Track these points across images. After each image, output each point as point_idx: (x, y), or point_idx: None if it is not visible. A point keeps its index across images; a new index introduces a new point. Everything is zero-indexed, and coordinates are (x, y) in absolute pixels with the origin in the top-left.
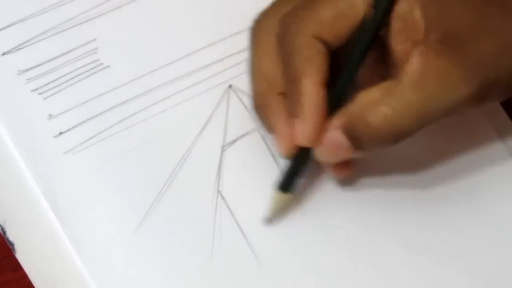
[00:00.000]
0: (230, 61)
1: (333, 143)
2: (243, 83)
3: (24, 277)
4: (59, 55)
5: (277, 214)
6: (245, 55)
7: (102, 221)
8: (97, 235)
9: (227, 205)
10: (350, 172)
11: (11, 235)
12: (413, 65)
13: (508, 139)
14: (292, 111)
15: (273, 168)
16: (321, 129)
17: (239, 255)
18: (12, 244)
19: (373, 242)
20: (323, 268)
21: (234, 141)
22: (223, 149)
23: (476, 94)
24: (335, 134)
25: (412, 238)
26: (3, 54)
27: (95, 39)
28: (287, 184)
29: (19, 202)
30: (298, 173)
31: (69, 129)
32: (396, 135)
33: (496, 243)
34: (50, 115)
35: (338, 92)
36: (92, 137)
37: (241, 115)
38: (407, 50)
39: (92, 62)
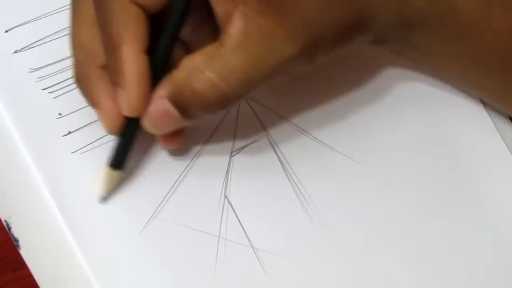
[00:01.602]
0: None
1: (160, 112)
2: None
3: (25, 277)
4: (70, 55)
5: (110, 191)
6: None
7: (107, 222)
8: (102, 235)
9: (234, 211)
10: (179, 142)
11: (16, 231)
12: (235, 27)
13: (509, 138)
14: (114, 81)
15: (281, 175)
16: (145, 98)
17: (244, 262)
18: (16, 240)
19: (377, 248)
20: (328, 276)
21: (243, 147)
22: (231, 155)
23: (301, 52)
24: (161, 103)
25: (413, 239)
26: (15, 52)
27: None
28: (118, 160)
29: (25, 199)
30: (128, 148)
31: (78, 129)
32: (223, 101)
33: (496, 243)
34: (59, 114)
35: (158, 59)
36: (100, 138)
37: (250, 121)
38: (229, 11)
39: None
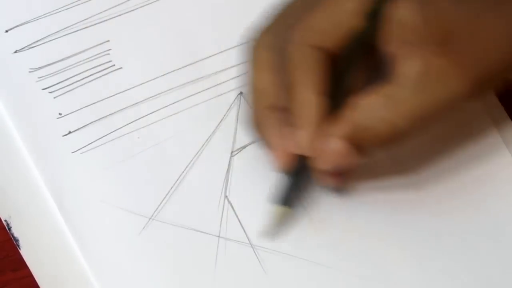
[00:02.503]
0: (242, 68)
1: (337, 151)
2: None
3: (25, 276)
4: (71, 55)
5: (278, 228)
6: None
7: (107, 222)
8: (102, 235)
9: (234, 211)
10: (348, 178)
11: (16, 231)
12: (412, 67)
13: (509, 139)
14: (292, 122)
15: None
16: (318, 138)
17: (244, 261)
18: (16, 240)
19: (377, 248)
20: (328, 276)
21: (243, 147)
22: (231, 154)
23: (471, 90)
24: (338, 143)
25: (413, 238)
26: (15, 52)
27: (108, 41)
28: (287, 198)
29: (25, 199)
30: (297, 187)
31: (78, 129)
32: (398, 138)
33: (496, 243)
34: (60, 114)
35: (337, 100)
36: (100, 138)
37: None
38: (401, 53)
39: (104, 63)
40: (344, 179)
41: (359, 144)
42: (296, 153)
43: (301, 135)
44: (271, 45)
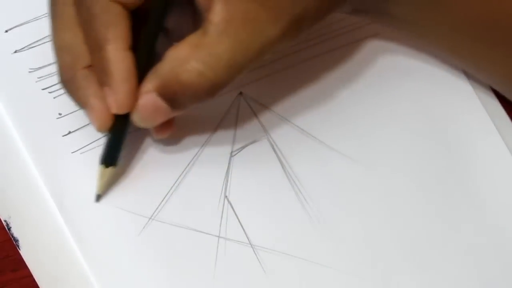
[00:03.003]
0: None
1: (149, 106)
2: (254, 90)
3: (25, 277)
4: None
5: (105, 189)
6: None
7: (107, 222)
8: (102, 235)
9: (234, 211)
10: (172, 130)
11: (16, 231)
12: (217, 14)
13: (509, 138)
14: (101, 81)
15: (281, 175)
16: (134, 94)
17: (244, 261)
18: (16, 240)
19: (376, 248)
20: (327, 275)
21: (243, 147)
22: (231, 155)
23: (286, 31)
24: (150, 97)
25: (412, 238)
26: (15, 52)
27: None
28: (110, 157)
29: (25, 199)
30: (119, 145)
31: (78, 129)
32: (211, 89)
33: (496, 243)
34: (59, 114)
35: (143, 54)
36: (100, 138)
37: (250, 122)
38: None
39: None
40: (168, 131)
41: (172, 97)
42: (113, 112)
43: (113, 94)
44: (70, 1)
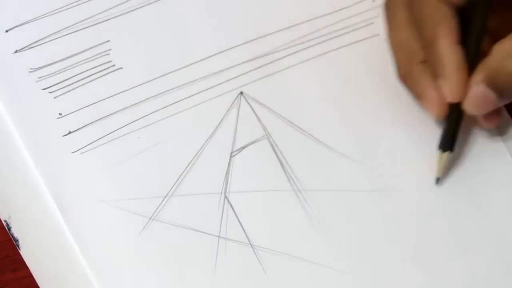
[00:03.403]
0: (242, 68)
1: (480, 96)
2: (254, 90)
3: (25, 277)
4: (71, 55)
5: (444, 172)
6: (258, 63)
7: (107, 222)
8: (102, 235)
9: (234, 211)
10: (498, 121)
11: (16, 231)
12: None
13: (509, 139)
14: (435, 73)
15: (281, 175)
16: (465, 84)
17: (244, 261)
18: (16, 240)
19: (376, 248)
20: (327, 276)
21: (243, 147)
22: (231, 155)
23: None
24: (480, 88)
25: (412, 238)
26: (15, 52)
27: (108, 41)
28: (448, 143)
29: (25, 199)
30: (456, 131)
31: (78, 129)
32: None
33: (496, 243)
34: (60, 114)
35: (472, 48)
36: (101, 138)
37: (251, 122)
38: None
39: (105, 63)
40: (495, 120)
41: (499, 88)
42: (448, 100)
43: (447, 84)
44: (403, 3)
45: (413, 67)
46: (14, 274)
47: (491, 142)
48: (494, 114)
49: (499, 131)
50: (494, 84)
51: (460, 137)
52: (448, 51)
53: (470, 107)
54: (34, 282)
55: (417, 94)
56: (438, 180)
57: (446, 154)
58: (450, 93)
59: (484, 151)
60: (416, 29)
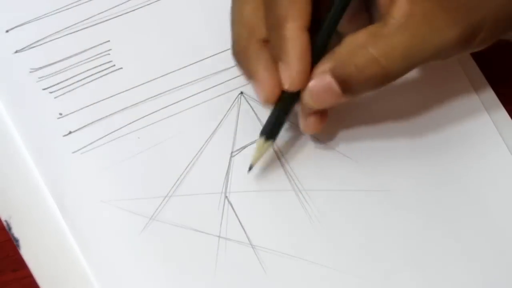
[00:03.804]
0: None
1: (322, 86)
2: None
3: (25, 277)
4: (71, 55)
5: (257, 161)
6: None
7: (108, 222)
8: (103, 235)
9: (234, 211)
10: (323, 125)
11: (16, 232)
12: (399, 8)
13: (509, 138)
14: (276, 56)
15: (281, 175)
16: (307, 73)
17: (244, 261)
18: (17, 241)
19: (376, 247)
20: (327, 275)
21: (243, 147)
22: (231, 155)
23: (461, 37)
24: (324, 78)
25: (416, 246)
26: (16, 52)
27: (108, 41)
28: (271, 131)
29: (26, 199)
30: (282, 121)
31: (78, 129)
32: (383, 78)
33: (496, 242)
34: (60, 114)
35: (321, 38)
36: (101, 138)
37: (251, 122)
38: None
39: (105, 63)
40: (319, 124)
41: (346, 80)
42: (283, 88)
43: (286, 71)
44: None
45: (251, 44)
46: (14, 274)
47: (491, 142)
48: (319, 118)
49: (499, 132)
50: (341, 77)
51: (458, 138)
52: (295, 36)
53: (309, 98)
54: (35, 282)
55: (250, 74)
56: (251, 168)
57: (267, 143)
58: (288, 80)
59: (484, 150)
60: (263, 4)
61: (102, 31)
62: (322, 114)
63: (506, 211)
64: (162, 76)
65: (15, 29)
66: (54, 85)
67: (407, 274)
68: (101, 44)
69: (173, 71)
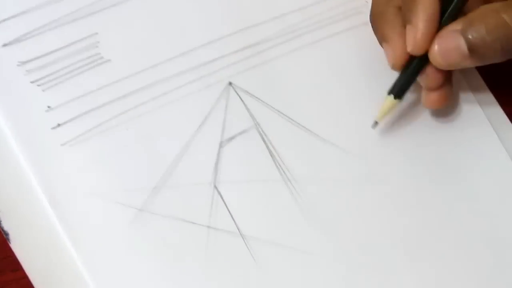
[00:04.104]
0: (231, 58)
1: (452, 44)
2: (243, 80)
3: (25, 277)
4: (60, 48)
5: (383, 118)
6: (246, 53)
7: (97, 213)
8: (92, 227)
9: (223, 201)
10: (445, 102)
11: (6, 225)
12: None
13: (507, 140)
14: (406, 18)
15: (270, 166)
16: (431, 39)
17: (234, 251)
18: (7, 234)
19: (368, 237)
20: (318, 265)
21: (232, 137)
22: (221, 145)
23: None
24: (454, 36)
25: (409, 238)
26: (4, 45)
27: (96, 33)
28: (400, 91)
29: (15, 192)
30: (410, 82)
31: (67, 121)
32: (510, 46)
33: (494, 243)
34: (48, 107)
35: (452, 8)
36: (90, 130)
37: (240, 112)
38: None
39: (93, 55)
40: (447, 96)
41: (474, 42)
42: (408, 50)
43: (412, 33)
44: None
45: (389, 8)
46: (14, 274)
47: (488, 142)
48: (443, 93)
49: (496, 132)
50: (470, 38)
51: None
52: (425, 0)
53: (437, 54)
54: None
55: (382, 37)
56: (376, 124)
57: (395, 101)
58: (412, 43)
59: (481, 151)
60: None
61: (90, 24)
62: (446, 90)
63: (504, 211)
64: (150, 67)
65: (3, 22)
66: (42, 78)
67: (399, 263)
68: (89, 36)
69: (162, 63)
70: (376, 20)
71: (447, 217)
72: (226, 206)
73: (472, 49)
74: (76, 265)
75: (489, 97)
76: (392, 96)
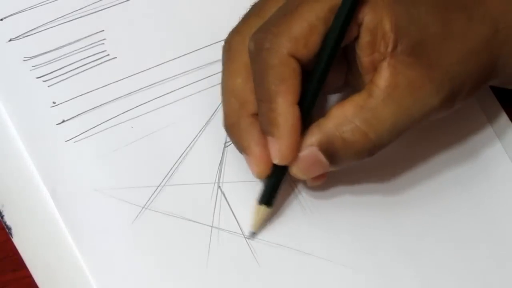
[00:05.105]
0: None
1: (310, 160)
2: None
3: (25, 277)
4: (65, 44)
5: (259, 227)
6: None
7: (100, 210)
8: (95, 224)
9: (227, 201)
10: (324, 179)
11: (9, 220)
12: (384, 78)
13: (506, 140)
14: (266, 130)
15: None
16: (296, 148)
17: (237, 251)
18: (9, 228)
19: (371, 240)
20: (320, 267)
21: None
22: (225, 145)
23: (445, 102)
24: (311, 151)
25: (411, 239)
26: (10, 40)
27: (102, 30)
28: (268, 199)
29: (18, 187)
30: (276, 189)
31: (72, 118)
32: (371, 149)
33: (494, 243)
34: (53, 102)
35: (306, 108)
36: (94, 127)
37: None
38: (374, 61)
39: (99, 52)
40: (319, 181)
41: (333, 153)
42: (275, 162)
43: (276, 146)
44: (245, 48)
45: (242, 118)
46: (14, 274)
47: (488, 142)
48: (318, 176)
49: (495, 131)
50: (327, 149)
51: (457, 139)
52: (286, 111)
53: (298, 171)
54: (34, 283)
55: (242, 148)
56: (253, 235)
57: (265, 210)
58: (278, 155)
59: (481, 151)
60: (254, 79)
61: (97, 21)
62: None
63: (503, 211)
64: (156, 66)
65: (9, 17)
66: (47, 74)
67: (401, 265)
68: (95, 33)
69: (167, 61)
70: (233, 131)
71: (448, 219)
72: (230, 206)
73: (333, 160)
74: (78, 261)
75: (492, 99)
76: (263, 206)
